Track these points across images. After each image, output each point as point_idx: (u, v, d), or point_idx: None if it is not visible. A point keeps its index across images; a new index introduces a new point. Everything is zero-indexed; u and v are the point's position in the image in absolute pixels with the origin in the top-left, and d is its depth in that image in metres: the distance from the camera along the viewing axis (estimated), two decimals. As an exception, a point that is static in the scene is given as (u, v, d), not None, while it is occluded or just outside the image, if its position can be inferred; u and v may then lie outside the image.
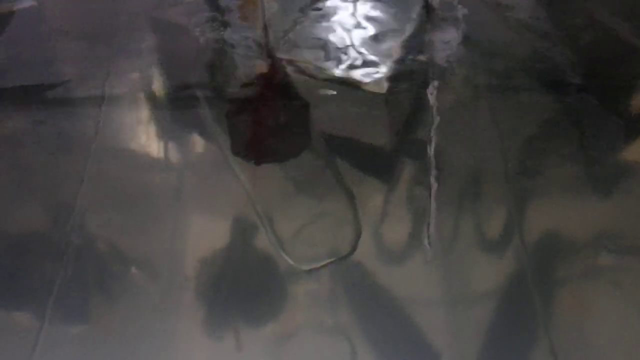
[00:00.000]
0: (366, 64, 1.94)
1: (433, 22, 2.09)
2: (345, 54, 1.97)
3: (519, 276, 1.42)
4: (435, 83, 1.85)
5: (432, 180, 1.60)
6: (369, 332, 1.33)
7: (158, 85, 1.89)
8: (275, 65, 1.93)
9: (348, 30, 2.06)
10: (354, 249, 1.46)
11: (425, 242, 1.48)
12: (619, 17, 2.06)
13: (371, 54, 1.97)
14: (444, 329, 1.34)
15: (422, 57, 1.97)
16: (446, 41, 2.01)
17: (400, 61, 1.95)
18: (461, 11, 2.08)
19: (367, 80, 1.88)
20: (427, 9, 2.14)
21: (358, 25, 2.09)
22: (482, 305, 1.38)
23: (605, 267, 1.44)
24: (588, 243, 1.49)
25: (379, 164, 1.66)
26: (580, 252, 1.47)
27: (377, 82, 1.88)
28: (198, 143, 1.74)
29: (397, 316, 1.36)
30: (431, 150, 1.66)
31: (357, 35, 2.04)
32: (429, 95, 1.81)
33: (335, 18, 2.11)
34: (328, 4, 2.17)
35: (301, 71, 1.91)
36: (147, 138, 1.75)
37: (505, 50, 1.98)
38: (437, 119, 1.74)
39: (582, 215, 1.55)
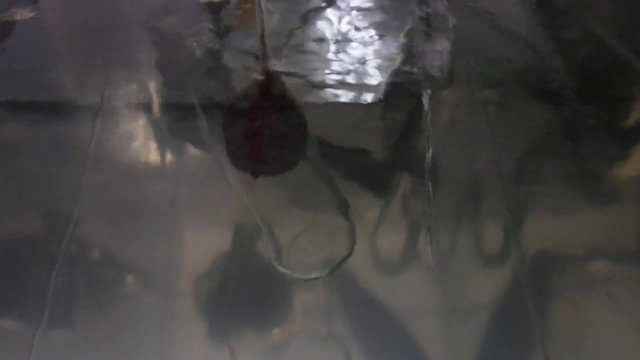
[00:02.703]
0: (362, 73, 1.95)
1: (427, 32, 2.10)
2: (342, 63, 1.98)
3: (515, 288, 1.42)
4: (429, 92, 1.86)
5: (428, 190, 1.60)
6: (365, 342, 1.33)
7: (155, 96, 1.89)
8: (271, 76, 1.93)
9: (345, 40, 2.07)
10: (347, 257, 1.46)
11: (428, 249, 1.48)
12: (613, 31, 2.08)
13: (368, 64, 1.98)
14: (440, 340, 1.34)
15: (418, 67, 1.98)
16: (438, 50, 2.02)
17: (396, 71, 1.96)
18: (451, 21, 2.09)
19: (363, 90, 1.89)
20: (426, 19, 2.16)
21: (355, 35, 2.10)
22: (478, 316, 1.37)
23: (601, 279, 1.45)
24: (583, 255, 1.49)
25: (375, 175, 1.66)
26: (575, 264, 1.48)
27: (373, 92, 1.89)
28: (195, 153, 1.74)
29: (393, 327, 1.35)
30: (428, 160, 1.67)
31: (354, 45, 2.05)
32: (424, 105, 1.82)
33: (332, 28, 2.12)
34: (325, 14, 2.18)
35: (297, 81, 1.92)
36: (144, 148, 1.75)
37: (501, 62, 1.99)
38: (431, 130, 1.74)
39: (577, 227, 1.55)
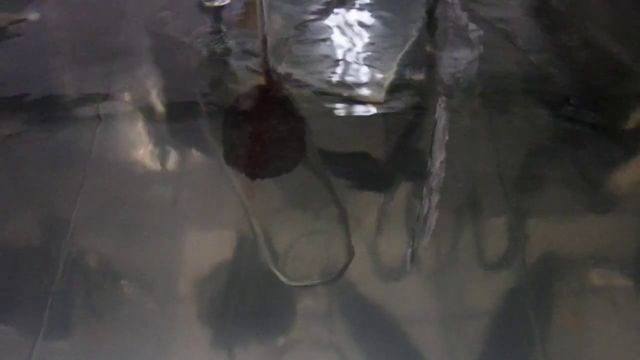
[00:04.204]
0: (364, 78, 1.95)
1: (441, 40, 2.10)
2: (344, 67, 1.98)
3: (515, 294, 1.41)
4: (430, 98, 1.87)
5: (428, 195, 1.60)
6: (364, 349, 1.33)
7: (156, 99, 1.90)
8: (272, 79, 1.94)
9: (347, 44, 2.07)
10: (346, 267, 1.46)
11: (408, 253, 1.48)
12: (615, 38, 2.08)
13: (369, 68, 1.98)
14: (439, 347, 1.33)
15: (420, 72, 1.98)
16: (454, 58, 2.02)
17: (398, 76, 1.96)
18: (476, 33, 2.09)
19: (364, 94, 1.89)
20: (430, 25, 2.16)
21: (357, 39, 2.10)
22: (478, 322, 1.37)
23: (602, 285, 1.44)
24: (585, 261, 1.48)
25: (375, 179, 1.66)
26: (576, 269, 1.47)
27: (375, 96, 1.89)
28: (196, 156, 1.75)
29: (393, 333, 1.35)
30: (434, 167, 1.67)
31: (356, 49, 2.06)
32: (425, 110, 1.83)
33: (334, 32, 2.13)
34: (328, 18, 2.19)
35: (298, 85, 1.92)
36: (144, 151, 1.75)
37: (502, 67, 1.99)
38: (443, 136, 1.75)
39: (579, 233, 1.54)
